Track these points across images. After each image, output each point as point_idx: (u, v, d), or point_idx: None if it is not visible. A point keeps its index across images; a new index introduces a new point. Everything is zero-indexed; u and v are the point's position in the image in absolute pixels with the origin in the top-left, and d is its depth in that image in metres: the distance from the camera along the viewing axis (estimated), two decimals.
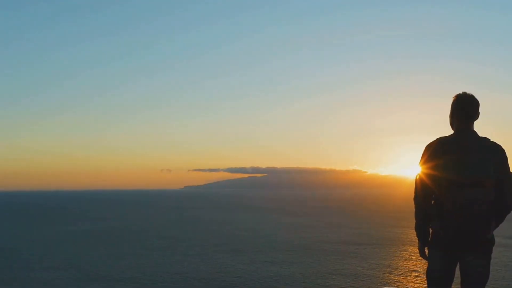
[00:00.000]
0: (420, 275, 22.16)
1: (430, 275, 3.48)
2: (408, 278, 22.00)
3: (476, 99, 3.37)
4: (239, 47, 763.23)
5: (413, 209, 3.53)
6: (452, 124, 3.46)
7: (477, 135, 3.33)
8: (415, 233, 3.58)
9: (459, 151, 3.24)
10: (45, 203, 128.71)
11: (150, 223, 56.83)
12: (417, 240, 3.56)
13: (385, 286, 19.90)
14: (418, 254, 3.64)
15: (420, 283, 20.64)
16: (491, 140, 3.31)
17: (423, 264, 23.09)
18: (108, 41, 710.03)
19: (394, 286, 20.36)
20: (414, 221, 3.52)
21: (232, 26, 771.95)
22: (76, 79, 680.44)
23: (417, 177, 3.43)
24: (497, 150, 3.26)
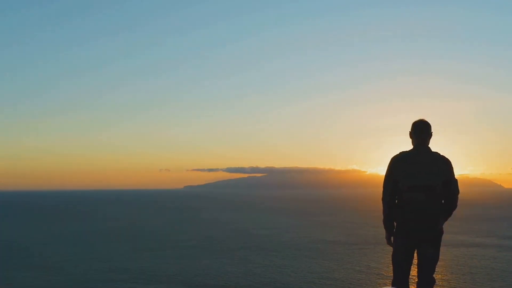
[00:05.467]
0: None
1: (395, 258, 4.55)
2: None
3: (428, 123, 4.50)
4: (239, 48, 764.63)
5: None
6: (412, 142, 4.53)
7: (430, 150, 4.45)
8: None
9: (416, 162, 4.36)
10: (44, 203, 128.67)
11: (147, 223, 56.83)
12: (384, 231, 4.58)
13: (385, 286, 19.87)
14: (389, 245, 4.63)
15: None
16: (440, 153, 4.43)
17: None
18: (108, 42, 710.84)
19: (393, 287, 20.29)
20: (383, 216, 4.55)
21: (232, 27, 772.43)
22: (76, 79, 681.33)
23: (384, 182, 4.50)
24: (444, 162, 4.39)
